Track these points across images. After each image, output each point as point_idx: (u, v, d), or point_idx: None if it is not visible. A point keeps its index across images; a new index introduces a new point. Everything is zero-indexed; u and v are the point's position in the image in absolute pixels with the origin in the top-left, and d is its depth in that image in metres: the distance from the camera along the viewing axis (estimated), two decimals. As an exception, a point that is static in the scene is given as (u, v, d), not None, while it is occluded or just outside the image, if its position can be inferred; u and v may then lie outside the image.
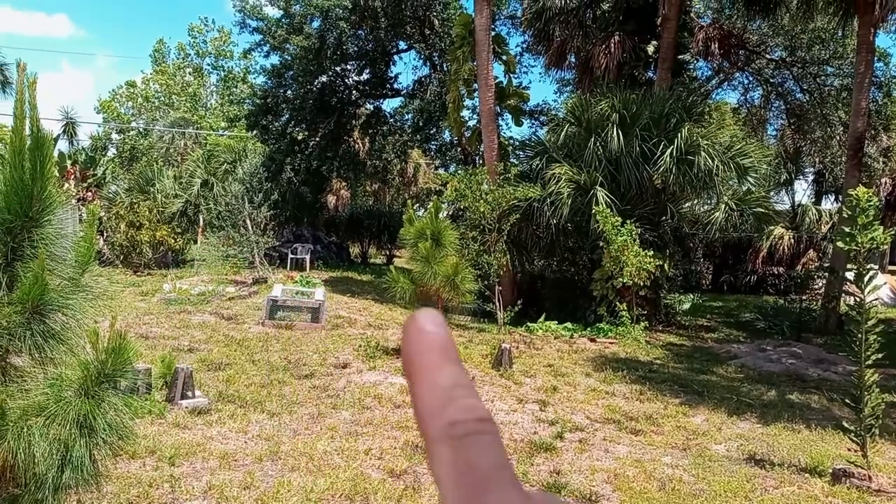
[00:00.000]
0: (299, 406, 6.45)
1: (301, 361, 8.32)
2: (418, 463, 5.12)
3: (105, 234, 19.12)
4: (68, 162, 24.26)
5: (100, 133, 39.65)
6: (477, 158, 20.71)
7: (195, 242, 20.70)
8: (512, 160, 16.22)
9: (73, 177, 22.78)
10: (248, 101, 28.03)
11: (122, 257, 18.48)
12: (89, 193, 22.84)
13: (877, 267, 13.67)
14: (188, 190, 23.68)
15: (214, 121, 41.91)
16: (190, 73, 46.54)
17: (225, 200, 17.34)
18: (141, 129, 40.40)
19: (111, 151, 38.56)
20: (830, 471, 5.43)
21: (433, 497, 4.51)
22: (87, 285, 3.58)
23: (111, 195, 22.50)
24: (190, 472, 4.71)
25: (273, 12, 22.89)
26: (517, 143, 18.16)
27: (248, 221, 16.65)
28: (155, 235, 19.10)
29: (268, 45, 22.66)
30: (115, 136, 41.35)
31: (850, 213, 5.88)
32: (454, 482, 0.30)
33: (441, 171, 28.95)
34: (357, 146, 25.62)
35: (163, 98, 44.23)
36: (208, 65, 47.38)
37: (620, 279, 12.32)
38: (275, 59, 23.03)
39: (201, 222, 19.54)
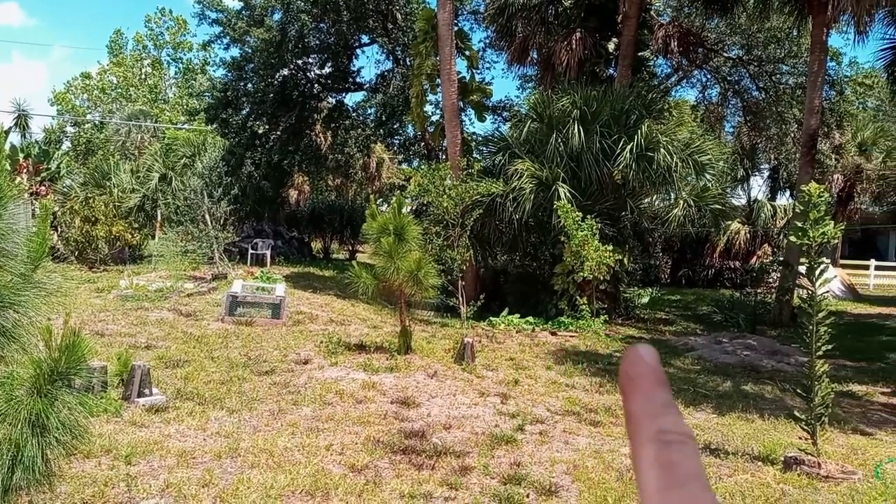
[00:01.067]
0: (259, 403, 6.39)
1: (261, 358, 8.25)
2: (379, 458, 5.12)
3: (59, 229, 18.68)
4: (21, 155, 23.60)
5: (54, 126, 38.67)
6: (440, 153, 20.71)
7: (153, 238, 20.32)
8: (475, 155, 16.27)
9: (25, 171, 22.19)
10: (207, 94, 27.56)
11: (76, 253, 18.05)
12: (42, 188, 22.26)
13: (829, 261, 14.07)
14: (146, 184, 23.23)
15: (173, 114, 41.16)
16: (148, 65, 45.60)
17: (183, 195, 17.07)
18: (97, 122, 39.46)
19: (66, 145, 37.61)
20: (782, 458, 5.58)
21: (394, 491, 4.52)
22: (39, 282, 3.50)
23: (65, 189, 21.97)
24: (147, 470, 4.64)
25: (233, 4, 22.57)
26: (480, 138, 18.25)
27: (207, 216, 16.41)
28: (111, 231, 18.70)
29: (228, 38, 22.30)
30: (69, 129, 40.33)
31: (802, 208, 6.04)
32: (657, 476, 0.35)
33: (404, 165, 28.93)
34: (319, 140, 25.40)
35: (120, 90, 43.27)
36: (167, 56, 46.50)
37: (581, 273, 12.47)
38: (235, 51, 22.73)
39: (159, 217, 19.18)
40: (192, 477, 4.54)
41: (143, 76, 44.57)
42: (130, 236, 19.45)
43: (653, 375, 0.38)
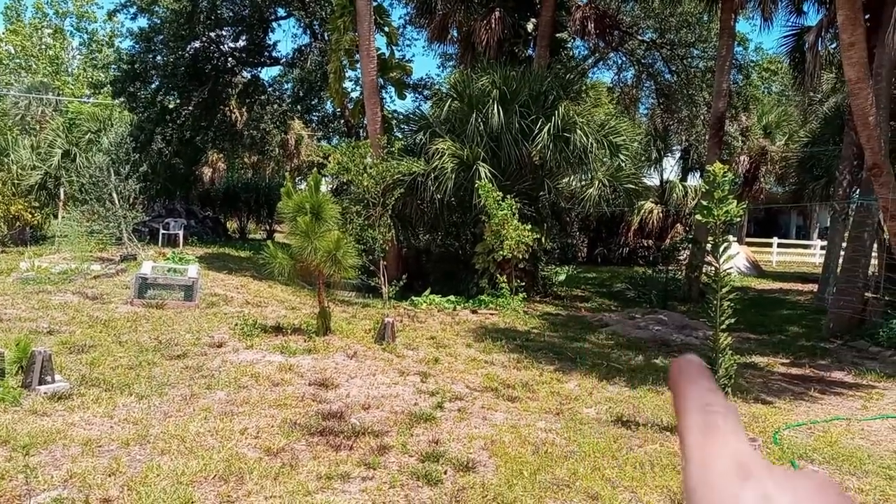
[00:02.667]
0: (170, 387, 6.18)
1: (173, 341, 7.97)
2: (296, 440, 5.05)
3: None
4: None
5: (-57, 97, 35.98)
6: (360, 131, 20.45)
7: (56, 217, 19.30)
8: (396, 133, 16.13)
9: (-90, 145, 20.59)
10: (113, 66, 26.22)
11: (-29, 234, 16.94)
12: (-69, 164, 20.71)
13: (734, 239, 14.71)
14: (47, 161, 22.01)
15: (77, 87, 39.02)
16: (49, 35, 42.97)
17: (89, 172, 16.23)
18: (-8, 94, 36.97)
19: (-43, 118, 35.07)
20: (689, 428, 5.82)
21: (311, 473, 4.46)
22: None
23: (-43, 166, 20.51)
24: (48, 460, 4.41)
25: (140, -30, 21.45)
26: (401, 116, 18.08)
27: (114, 195, 15.67)
28: (10, 210, 17.60)
29: (135, 7, 21.24)
30: (-39, 100, 37.62)
31: (707, 187, 6.27)
32: (700, 433, 0.40)
33: (323, 143, 28.42)
34: (234, 116, 24.65)
35: (19, 60, 40.65)
36: (70, 26, 43.92)
37: (501, 252, 12.62)
38: (143, 21, 21.68)
39: (62, 196, 18.21)
40: (98, 466, 4.35)
41: (42, 46, 41.98)
42: (31, 216, 18.36)
43: (699, 369, 0.45)
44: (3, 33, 41.87)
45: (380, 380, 6.96)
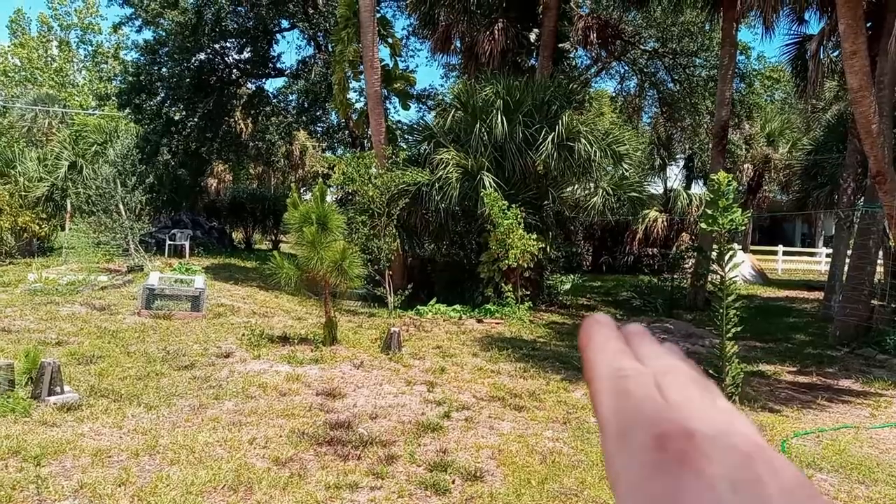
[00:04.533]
0: (179, 398, 6.20)
1: (181, 352, 8.00)
2: (304, 450, 5.06)
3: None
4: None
5: (-50, 110, 36.22)
6: (365, 141, 20.52)
7: (63, 229, 19.38)
8: (400, 144, 16.20)
9: (-81, 158, 20.73)
10: (119, 78, 26.39)
11: (-22, 246, 17.02)
12: (-61, 176, 20.84)
13: (739, 247, 14.68)
14: (54, 173, 22.15)
15: (83, 99, 39.25)
16: (55, 47, 43.27)
17: (95, 184, 16.32)
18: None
19: (-36, 130, 35.28)
20: (696, 437, 5.82)
21: (319, 483, 4.48)
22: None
23: (-35, 178, 20.63)
24: (59, 471, 4.44)
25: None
26: (405, 126, 18.16)
27: (121, 206, 15.75)
28: (17, 222, 17.68)
29: (140, 20, 21.39)
30: (-32, 113, 37.86)
31: (711, 196, 6.29)
32: (612, 402, 0.36)
33: (328, 153, 28.51)
34: (239, 127, 24.78)
35: (25, 73, 40.92)
36: (75, 38, 44.23)
37: (506, 261, 12.63)
38: (148, 34, 21.83)
39: (69, 207, 18.29)
40: (108, 476, 4.38)
41: (48, 59, 42.27)
42: (38, 227, 18.44)
43: (608, 330, 0.41)
44: (10, 46, 42.17)
45: (387, 389, 6.97)
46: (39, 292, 11.40)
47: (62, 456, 4.67)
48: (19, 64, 41.42)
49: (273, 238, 28.54)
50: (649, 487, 0.32)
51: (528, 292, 13.51)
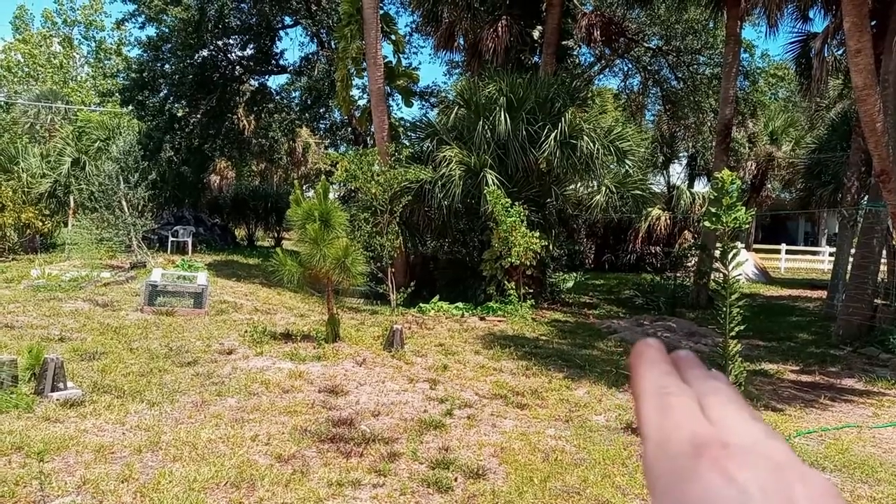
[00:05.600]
0: (181, 394, 6.21)
1: (183, 348, 8.01)
2: (307, 447, 5.06)
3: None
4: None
5: (-47, 106, 36.29)
6: (368, 138, 20.52)
7: (66, 225, 19.41)
8: (403, 141, 16.19)
9: (-78, 153, 20.76)
10: (122, 74, 26.39)
11: (-19, 242, 17.06)
12: (-58, 172, 20.88)
13: (742, 245, 14.64)
14: (57, 169, 22.19)
15: (86, 95, 39.27)
16: (58, 43, 43.27)
17: (98, 180, 16.33)
18: (2, 103, 37.26)
19: (-33, 126, 35.33)
20: (699, 435, 5.81)
21: (322, 480, 4.47)
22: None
23: (-32, 174, 20.67)
24: (62, 467, 4.44)
25: (148, -20, 21.63)
26: (408, 124, 18.17)
27: (123, 202, 15.76)
28: (20, 218, 17.71)
29: (143, 16, 21.39)
30: (-29, 109, 37.92)
31: (715, 194, 6.27)
32: (655, 416, 0.39)
33: (331, 150, 28.51)
34: (242, 124, 24.79)
35: (27, 69, 40.94)
36: (78, 35, 44.23)
37: (509, 259, 12.62)
38: (151, 30, 21.83)
39: (72, 204, 18.31)
40: (111, 472, 4.38)
41: (51, 54, 42.27)
42: (41, 223, 18.48)
43: (658, 352, 0.44)
44: (12, 42, 42.20)
45: (389, 387, 6.97)
46: (42, 288, 11.42)
47: (65, 452, 4.68)
48: (22, 60, 41.43)
49: (275, 235, 28.56)
50: (685, 489, 0.35)
51: (531, 290, 13.51)
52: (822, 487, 0.33)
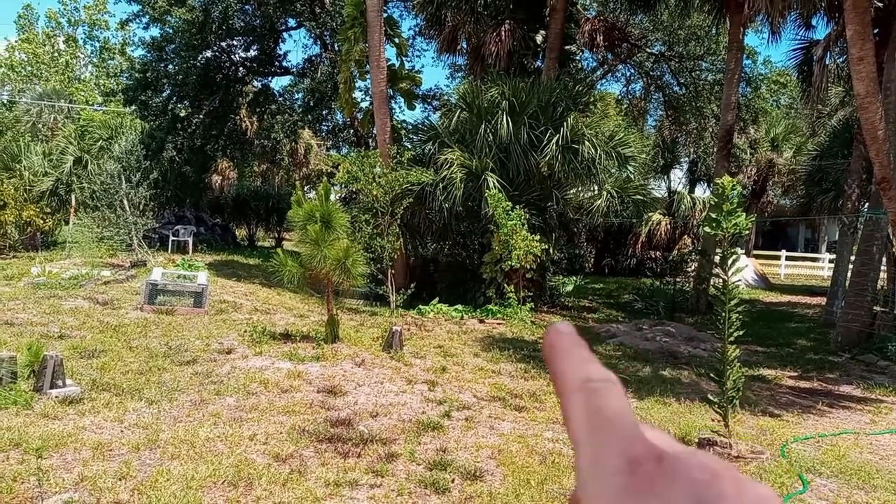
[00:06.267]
0: (180, 393, 6.22)
1: (182, 347, 8.02)
2: (304, 447, 5.08)
3: (-37, 213, 17.61)
4: (-80, 134, 22.13)
5: (-43, 104, 36.36)
6: (370, 141, 20.55)
7: (67, 223, 19.45)
8: (405, 144, 16.22)
9: (-75, 150, 20.82)
10: (125, 74, 26.45)
11: (-17, 239, 17.11)
12: (-56, 169, 20.94)
13: (742, 251, 14.63)
14: (59, 167, 22.24)
15: (89, 94, 39.33)
16: (62, 42, 43.37)
17: (100, 179, 16.36)
18: (5, 101, 37.31)
19: (-30, 124, 35.40)
20: (696, 440, 5.83)
21: (319, 479, 4.49)
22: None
23: (-30, 172, 20.73)
24: (60, 464, 4.45)
25: (152, -19, 21.71)
26: (410, 126, 18.18)
27: (125, 201, 15.78)
28: (21, 215, 17.76)
29: (147, 17, 21.46)
30: (-25, 107, 37.99)
31: (716, 200, 6.29)
32: (585, 421, 0.36)
33: (333, 152, 28.56)
34: (244, 125, 24.83)
35: (31, 68, 41.03)
36: (82, 34, 44.33)
37: (509, 262, 12.63)
38: (155, 31, 21.98)
39: (74, 202, 18.34)
40: (109, 469, 4.39)
41: (55, 54, 42.36)
42: (42, 221, 18.52)
43: (571, 339, 0.40)
44: (16, 41, 42.28)
45: (388, 388, 6.98)
46: (43, 286, 11.44)
47: (63, 449, 4.69)
48: (25, 59, 41.51)
49: (276, 235, 28.59)
50: None
51: (531, 293, 13.52)
52: (759, 497, 0.32)
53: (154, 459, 4.64)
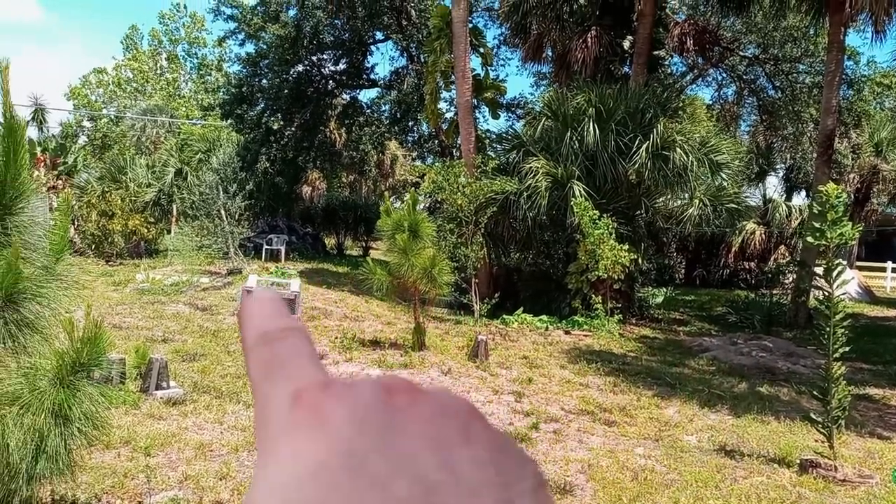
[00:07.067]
0: (275, 397, 6.42)
1: (277, 352, 8.27)
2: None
3: (76, 223, 18.83)
4: (38, 149, 23.86)
5: (70, 120, 38.94)
6: (454, 151, 20.70)
7: (169, 232, 20.47)
8: (489, 153, 16.25)
9: (42, 164, 22.41)
10: (222, 89, 27.68)
11: (93, 247, 18.24)
12: (59, 182, 22.47)
13: (845, 262, 13.92)
14: (161, 179, 23.42)
15: (189, 109, 41.35)
16: (165, 59, 45.88)
17: (199, 190, 17.15)
18: (112, 117, 39.69)
19: (82, 139, 37.90)
20: (798, 461, 5.55)
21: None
22: (60, 274, 3.54)
23: (82, 184, 22.17)
24: (165, 462, 4.68)
25: (248, 0, 22.68)
26: (494, 136, 18.21)
27: (222, 211, 16.48)
28: (127, 225, 18.85)
29: (243, 34, 22.41)
30: (86, 123, 40.60)
31: (819, 208, 5.99)
32: (261, 372, 0.32)
33: (418, 162, 28.93)
34: (333, 137, 25.48)
35: (135, 85, 43.52)
36: (182, 52, 46.76)
37: (595, 272, 12.42)
38: (250, 47, 22.82)
39: (175, 212, 19.31)
40: (210, 469, 4.59)
41: (159, 70, 44.82)
42: (146, 230, 19.59)
43: (262, 302, 0.36)
44: (123, 60, 44.96)
45: (474, 397, 6.99)
46: (147, 292, 12.08)
47: (168, 448, 4.93)
48: (131, 76, 44.08)
49: (363, 244, 29.16)
50: (283, 452, 0.28)
51: (619, 305, 13.24)
52: (438, 406, 0.29)
53: (252, 461, 4.80)
